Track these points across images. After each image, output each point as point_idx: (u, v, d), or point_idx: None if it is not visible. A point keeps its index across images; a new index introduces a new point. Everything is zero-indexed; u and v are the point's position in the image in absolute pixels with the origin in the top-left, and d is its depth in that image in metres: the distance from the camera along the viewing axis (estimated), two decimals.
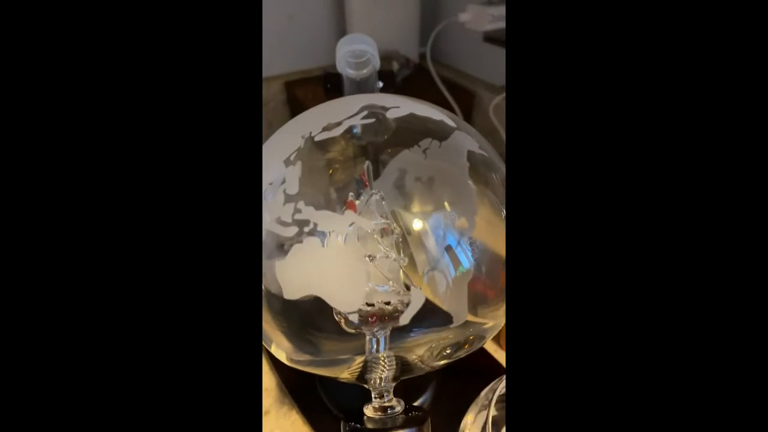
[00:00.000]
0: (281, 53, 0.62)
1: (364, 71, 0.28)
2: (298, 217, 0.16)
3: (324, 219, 0.16)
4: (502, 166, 0.21)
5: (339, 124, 0.18)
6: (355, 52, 0.27)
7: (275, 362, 0.33)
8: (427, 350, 0.19)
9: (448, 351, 0.20)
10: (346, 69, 0.28)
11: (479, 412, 0.23)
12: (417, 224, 0.19)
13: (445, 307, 0.19)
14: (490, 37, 0.56)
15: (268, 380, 0.32)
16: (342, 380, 0.20)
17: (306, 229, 0.16)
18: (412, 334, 0.19)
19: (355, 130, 0.20)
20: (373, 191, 0.19)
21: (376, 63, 0.28)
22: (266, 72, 0.61)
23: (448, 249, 0.19)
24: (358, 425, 0.18)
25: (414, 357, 0.20)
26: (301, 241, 0.16)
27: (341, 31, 0.63)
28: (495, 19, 0.51)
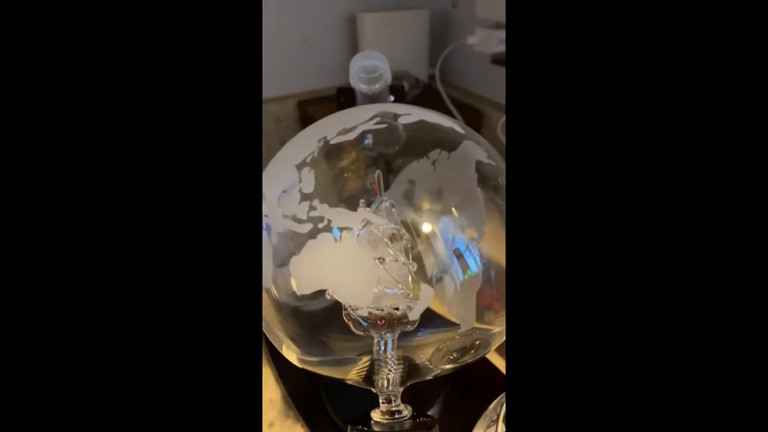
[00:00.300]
0: (297, 74, 0.64)
1: (377, 86, 0.29)
2: (312, 214, 0.17)
3: (337, 216, 0.17)
4: None
5: (352, 129, 0.19)
6: (368, 68, 0.28)
7: (281, 374, 0.32)
8: (433, 352, 0.19)
9: (454, 355, 0.20)
10: (359, 84, 0.29)
11: (487, 428, 0.22)
12: (426, 227, 0.19)
13: (452, 314, 0.19)
14: (497, 59, 0.58)
15: (273, 392, 0.32)
16: (350, 382, 0.20)
17: (320, 226, 0.17)
18: (419, 334, 0.19)
19: (366, 142, 0.20)
20: (384, 198, 0.19)
21: (388, 78, 0.29)
22: (282, 91, 0.63)
23: (457, 252, 0.19)
24: (365, 428, 0.18)
25: (421, 358, 0.19)
26: (314, 237, 0.17)
27: (353, 53, 0.65)
28: (502, 41, 0.53)
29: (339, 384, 0.29)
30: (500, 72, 0.57)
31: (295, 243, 0.17)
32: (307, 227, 0.17)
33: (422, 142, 0.20)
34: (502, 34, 0.52)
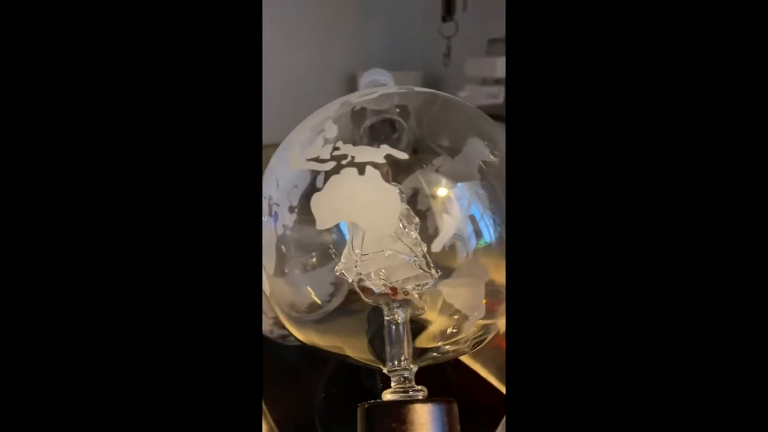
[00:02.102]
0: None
1: None
2: (335, 153, 0.17)
3: (360, 152, 0.17)
4: None
5: (373, 92, 0.20)
6: (376, 82, 0.31)
7: (269, 402, 0.29)
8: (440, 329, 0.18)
9: (454, 330, 0.19)
10: None
11: None
12: (442, 191, 0.19)
13: (458, 305, 0.19)
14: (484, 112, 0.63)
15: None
16: (359, 359, 0.19)
17: (344, 162, 0.17)
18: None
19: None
20: (394, 184, 0.20)
21: None
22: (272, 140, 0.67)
23: (472, 219, 0.19)
24: (378, 400, 0.16)
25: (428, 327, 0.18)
26: (338, 173, 0.17)
27: None
28: (488, 96, 0.59)
29: (335, 413, 0.26)
30: None
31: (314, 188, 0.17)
32: (330, 165, 0.17)
33: (428, 148, 0.21)
34: (488, 89, 0.58)
